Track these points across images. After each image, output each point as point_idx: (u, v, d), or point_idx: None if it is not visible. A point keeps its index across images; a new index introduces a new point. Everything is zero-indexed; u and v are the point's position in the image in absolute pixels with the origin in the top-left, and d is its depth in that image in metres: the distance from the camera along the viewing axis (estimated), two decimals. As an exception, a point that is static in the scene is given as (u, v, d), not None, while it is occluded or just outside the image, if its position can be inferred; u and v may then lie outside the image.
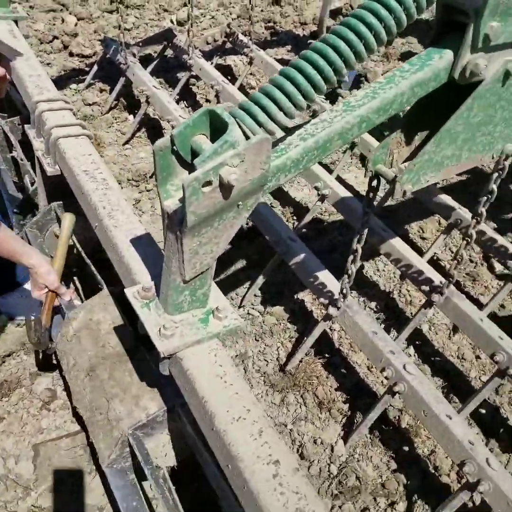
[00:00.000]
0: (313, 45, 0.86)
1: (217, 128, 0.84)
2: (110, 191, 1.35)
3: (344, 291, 1.52)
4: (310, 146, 0.90)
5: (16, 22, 2.19)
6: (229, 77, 3.42)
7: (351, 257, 1.43)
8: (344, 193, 2.08)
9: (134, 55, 2.89)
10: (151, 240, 1.24)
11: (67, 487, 1.37)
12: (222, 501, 1.11)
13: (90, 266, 1.57)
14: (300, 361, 1.73)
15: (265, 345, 1.83)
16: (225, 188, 0.81)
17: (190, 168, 0.91)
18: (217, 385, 0.93)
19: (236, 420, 0.87)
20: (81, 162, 1.43)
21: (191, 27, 2.80)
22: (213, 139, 0.85)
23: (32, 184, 2.00)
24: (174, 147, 0.88)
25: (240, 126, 0.83)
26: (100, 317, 1.39)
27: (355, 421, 1.61)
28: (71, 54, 3.40)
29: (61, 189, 1.72)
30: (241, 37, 3.24)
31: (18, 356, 1.71)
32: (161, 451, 1.21)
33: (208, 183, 0.80)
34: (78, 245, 1.72)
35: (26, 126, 1.68)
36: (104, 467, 1.15)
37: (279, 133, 0.90)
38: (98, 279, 1.52)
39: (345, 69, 0.86)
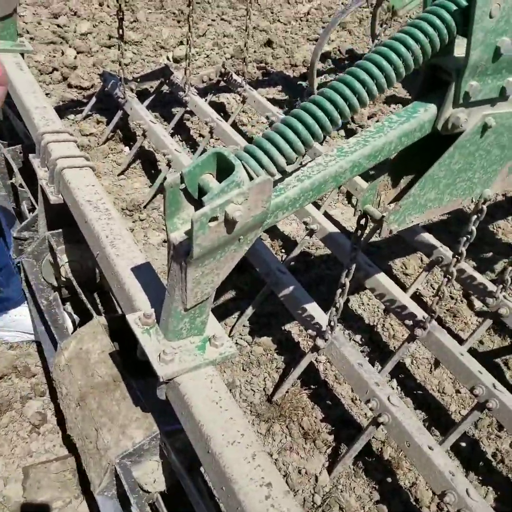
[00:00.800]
0: (312, 97, 0.95)
1: (223, 168, 0.91)
2: (112, 221, 1.41)
3: (332, 323, 1.58)
4: (306, 187, 0.98)
5: (22, 55, 2.29)
6: (222, 114, 3.56)
7: (339, 291, 1.50)
8: (332, 228, 2.17)
9: (131, 89, 3.00)
10: (151, 269, 1.29)
11: (54, 509, 1.38)
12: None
13: (81, 295, 1.61)
14: (287, 392, 1.77)
15: (253, 375, 1.87)
16: (230, 223, 0.88)
17: (196, 203, 0.98)
18: (213, 410, 0.97)
19: (231, 443, 0.91)
20: (85, 192, 1.49)
21: (189, 66, 2.93)
22: (219, 178, 0.92)
23: (30, 210, 2.06)
24: (183, 184, 0.95)
25: (244, 167, 0.91)
26: (90, 346, 1.42)
27: (339, 452, 1.64)
28: (70, 86, 3.50)
29: (60, 218, 1.77)
30: (235, 77, 3.39)
31: (9, 379, 1.73)
32: (150, 477, 1.23)
33: (215, 218, 0.86)
34: (70, 275, 1.76)
35: (30, 155, 1.74)
36: (96, 494, 1.17)
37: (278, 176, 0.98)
38: (89, 308, 1.55)
39: (340, 119, 0.95)
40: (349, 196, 3.07)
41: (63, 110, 3.25)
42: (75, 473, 1.44)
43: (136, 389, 1.29)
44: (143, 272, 1.28)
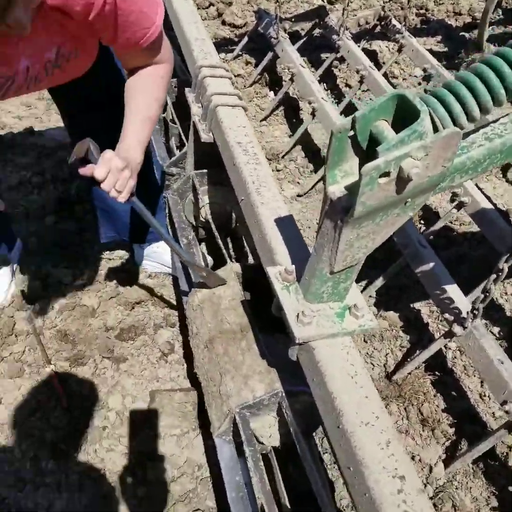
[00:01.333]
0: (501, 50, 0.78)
1: (402, 116, 0.79)
2: (259, 166, 1.37)
3: (476, 311, 1.43)
4: (495, 148, 0.83)
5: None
6: (373, 62, 3.31)
7: (493, 276, 1.33)
8: (485, 203, 1.94)
9: (284, 30, 2.88)
10: (293, 223, 1.24)
11: (172, 436, 1.46)
12: (317, 496, 1.10)
13: (218, 239, 1.61)
14: (409, 373, 1.67)
15: (374, 348, 1.79)
16: (402, 181, 0.77)
17: (363, 155, 0.88)
18: (348, 384, 0.92)
19: (364, 424, 0.85)
20: (236, 133, 1.45)
21: (347, 5, 2.73)
22: (395, 126, 0.81)
23: (178, 147, 2.10)
24: (352, 131, 0.85)
25: (430, 115, 0.78)
26: (221, 291, 1.42)
27: (459, 447, 1.52)
28: (223, 23, 3.47)
29: (207, 158, 1.78)
30: (394, 21, 3.11)
31: (146, 305, 1.83)
32: (266, 431, 1.23)
33: (386, 173, 0.76)
34: (209, 216, 1.78)
35: (186, 89, 1.74)
36: (214, 436, 1.20)
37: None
38: (224, 253, 1.56)
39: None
40: (504, 169, 2.73)
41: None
42: (196, 406, 1.51)
43: (262, 342, 1.28)
44: (286, 225, 1.23)
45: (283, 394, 1.19)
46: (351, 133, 0.85)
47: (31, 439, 1.46)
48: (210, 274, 1.39)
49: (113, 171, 1.15)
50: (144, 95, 1.28)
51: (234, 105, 1.56)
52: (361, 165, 0.83)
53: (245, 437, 1.15)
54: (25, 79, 1.16)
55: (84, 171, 1.16)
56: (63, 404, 1.51)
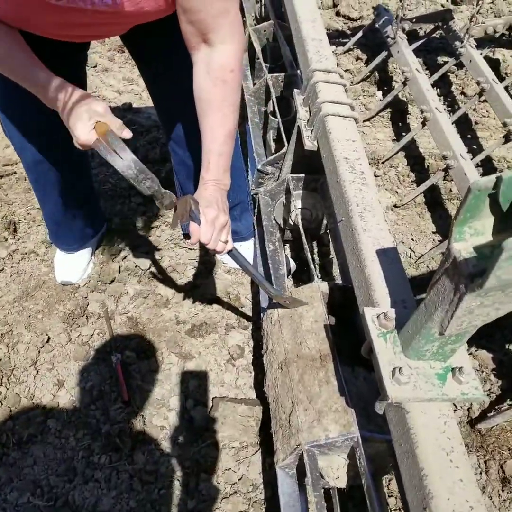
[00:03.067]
0: None
1: None
2: (366, 187, 1.26)
3: None
4: None
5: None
6: (494, 73, 3.04)
7: None
8: None
9: (403, 30, 2.69)
10: (397, 258, 1.12)
11: (231, 449, 1.42)
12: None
13: (307, 252, 1.52)
14: (496, 425, 1.51)
15: (458, 389, 1.64)
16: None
17: (501, 216, 0.76)
18: (442, 462, 0.81)
19: (457, 515, 0.75)
20: (344, 147, 1.35)
21: (478, 13, 2.49)
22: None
23: (274, 140, 2.02)
24: (494, 190, 0.74)
25: None
26: (304, 311, 1.34)
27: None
28: (337, 14, 3.32)
29: (305, 163, 1.69)
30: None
31: (220, 302, 1.79)
32: (334, 472, 1.15)
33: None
34: (299, 222, 1.69)
35: (295, 91, 1.64)
36: (277, 466, 1.14)
37: None
38: (311, 269, 1.47)
39: None
40: None
41: (325, 39, 3.11)
42: (258, 423, 1.45)
43: (342, 377, 1.19)
44: (388, 259, 1.12)
45: (359, 439, 1.10)
46: (492, 192, 0.74)
47: (87, 429, 1.45)
48: (295, 301, 1.31)
49: (217, 230, 1.11)
50: (218, 108, 1.12)
51: (346, 116, 1.45)
52: (497, 227, 0.72)
53: (311, 477, 1.08)
54: None
55: (192, 241, 1.12)
56: (124, 396, 1.50)
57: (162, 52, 1.28)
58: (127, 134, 1.00)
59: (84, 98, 0.96)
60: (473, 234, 0.79)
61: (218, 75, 1.07)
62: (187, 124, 1.44)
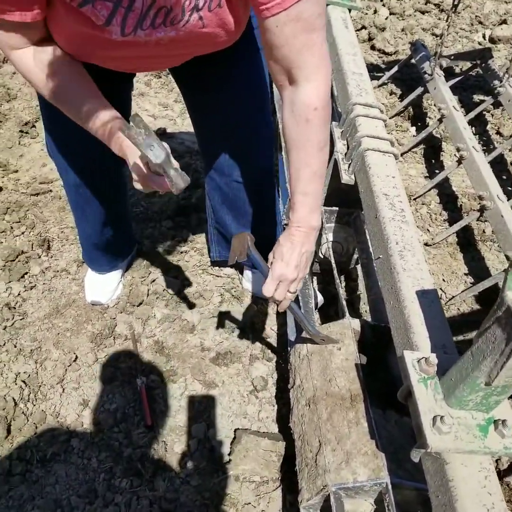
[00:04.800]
0: None
1: None
2: (406, 225, 1.25)
3: None
4: None
5: (349, 10, 2.20)
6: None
7: None
8: None
9: (440, 67, 2.70)
10: (437, 299, 1.10)
11: (251, 483, 1.39)
12: None
13: (338, 287, 1.51)
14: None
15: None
16: None
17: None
18: (483, 519, 0.78)
19: None
20: (384, 183, 1.35)
21: (518, 52, 2.50)
22: None
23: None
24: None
25: None
26: (334, 348, 1.32)
27: None
28: (372, 48, 3.36)
29: (340, 195, 1.69)
30: None
31: (245, 332, 1.78)
32: (360, 517, 1.11)
33: None
34: (330, 255, 1.68)
35: (333, 123, 1.65)
36: (301, 506, 1.11)
37: None
38: (342, 304, 1.45)
39: None
40: None
41: (360, 73, 3.14)
42: (281, 458, 1.42)
43: (372, 419, 1.16)
44: (428, 300, 1.10)
45: (389, 485, 1.06)
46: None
47: (109, 451, 1.44)
48: (329, 339, 1.29)
49: (285, 282, 1.13)
50: (302, 147, 1.09)
51: (386, 151, 1.45)
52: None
53: (337, 520, 1.04)
54: (148, 8, 0.90)
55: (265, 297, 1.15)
56: (147, 421, 1.49)
57: (214, 84, 1.30)
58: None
59: None
60: (527, 283, 0.78)
61: (301, 114, 1.04)
62: (228, 154, 1.45)
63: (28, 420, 1.49)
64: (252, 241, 1.14)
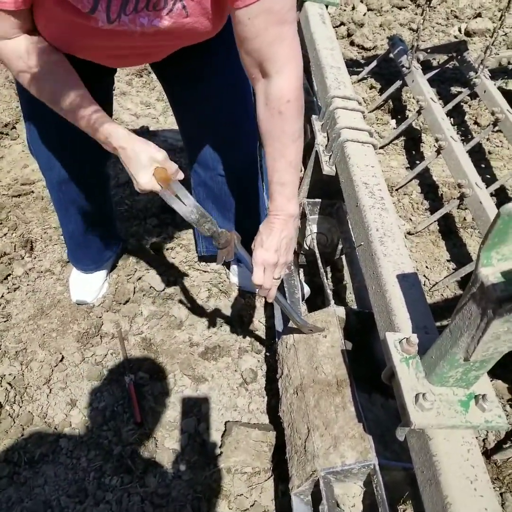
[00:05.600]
0: None
1: None
2: (385, 212, 1.27)
3: None
4: None
5: (326, 6, 2.22)
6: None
7: None
8: None
9: (418, 60, 2.74)
10: (418, 282, 1.12)
11: (243, 474, 1.39)
12: None
13: (323, 276, 1.52)
14: (512, 457, 1.48)
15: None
16: None
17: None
18: (466, 490, 0.79)
19: (483, 547, 0.73)
20: (363, 173, 1.36)
21: (492, 44, 2.54)
22: None
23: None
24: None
25: None
26: (320, 336, 1.34)
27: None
28: (352, 43, 3.39)
29: (322, 187, 1.71)
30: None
31: (234, 326, 1.79)
32: (350, 500, 1.13)
33: None
34: (315, 246, 1.70)
35: (313, 117, 1.67)
36: (292, 493, 1.12)
37: None
38: (327, 293, 1.46)
39: None
40: None
41: (339, 68, 3.17)
42: (272, 448, 1.43)
43: (359, 403, 1.18)
44: (409, 284, 1.12)
45: (376, 467, 1.08)
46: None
47: (99, 450, 1.44)
48: (316, 328, 1.31)
49: (269, 268, 1.15)
50: (277, 139, 1.11)
51: (365, 142, 1.47)
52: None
53: (327, 504, 1.06)
54: None
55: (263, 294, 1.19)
56: (137, 418, 1.49)
57: (195, 78, 1.31)
58: (181, 175, 1.06)
59: (144, 145, 1.01)
60: (500, 259, 0.79)
61: (274, 106, 1.07)
62: (212, 148, 1.46)
63: (14, 422, 1.48)
64: (239, 240, 1.15)
